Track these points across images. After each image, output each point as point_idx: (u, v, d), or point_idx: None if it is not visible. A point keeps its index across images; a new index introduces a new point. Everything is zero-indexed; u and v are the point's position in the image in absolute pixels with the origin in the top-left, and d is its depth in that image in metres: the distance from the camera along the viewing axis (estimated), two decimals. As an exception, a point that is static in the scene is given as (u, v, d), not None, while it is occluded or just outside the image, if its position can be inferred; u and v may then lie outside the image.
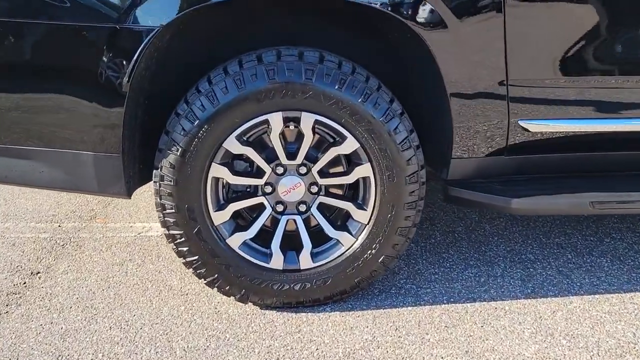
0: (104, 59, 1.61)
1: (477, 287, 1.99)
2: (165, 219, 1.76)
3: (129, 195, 1.80)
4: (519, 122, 1.74)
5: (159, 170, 1.72)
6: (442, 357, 1.63)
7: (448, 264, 2.16)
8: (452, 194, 1.87)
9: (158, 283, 2.07)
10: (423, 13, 1.63)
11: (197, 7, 1.60)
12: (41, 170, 1.77)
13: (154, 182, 1.76)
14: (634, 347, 1.65)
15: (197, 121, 1.66)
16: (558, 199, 1.78)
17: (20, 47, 1.67)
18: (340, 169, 1.87)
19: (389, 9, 1.62)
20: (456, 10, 1.62)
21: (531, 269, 2.11)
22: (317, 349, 1.69)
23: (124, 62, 1.61)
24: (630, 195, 1.76)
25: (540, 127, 1.74)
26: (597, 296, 1.92)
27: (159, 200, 1.75)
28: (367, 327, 1.78)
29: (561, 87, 1.70)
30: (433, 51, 1.64)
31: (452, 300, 1.92)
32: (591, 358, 1.61)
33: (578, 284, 2.00)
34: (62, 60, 1.66)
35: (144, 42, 1.59)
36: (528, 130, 1.75)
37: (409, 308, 1.88)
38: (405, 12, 1.63)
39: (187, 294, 1.99)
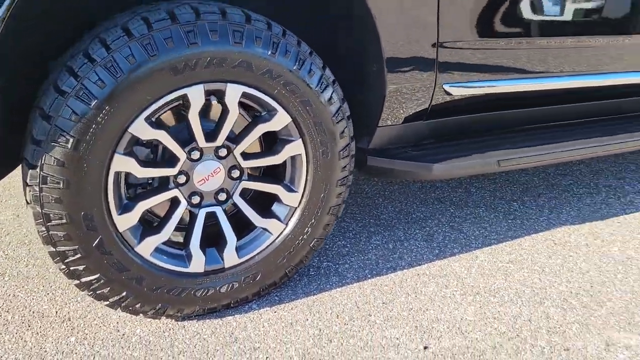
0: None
1: (390, 255, 1.96)
2: (51, 233, 1.32)
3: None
4: (443, 85, 1.69)
5: (39, 170, 1.26)
6: (397, 339, 1.56)
7: (352, 234, 2.08)
8: (371, 164, 1.76)
9: (22, 312, 1.58)
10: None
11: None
12: None
13: (29, 185, 1.29)
14: (547, 292, 1.79)
15: (95, 101, 1.24)
16: (471, 161, 1.80)
17: None
18: (256, 147, 1.61)
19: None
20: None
21: (427, 228, 2.15)
22: (267, 358, 1.47)
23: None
24: (528, 151, 1.87)
25: (462, 90, 1.72)
26: (493, 247, 2.04)
27: (39, 209, 1.30)
28: (308, 319, 1.61)
29: (488, 49, 1.69)
30: (374, 13, 1.47)
31: (375, 272, 1.85)
32: (520, 310, 1.70)
33: (472, 236, 2.10)
34: None
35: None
36: (450, 94, 1.72)
37: (338, 289, 1.75)
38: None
39: (69, 319, 1.56)
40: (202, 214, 1.52)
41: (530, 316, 1.66)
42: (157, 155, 1.48)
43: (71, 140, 1.25)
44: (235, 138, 1.50)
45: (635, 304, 1.74)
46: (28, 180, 1.28)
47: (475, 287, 1.80)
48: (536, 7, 1.74)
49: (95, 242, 1.35)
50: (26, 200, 1.36)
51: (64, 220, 1.31)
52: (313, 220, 1.62)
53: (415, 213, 2.26)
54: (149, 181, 1.50)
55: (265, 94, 1.43)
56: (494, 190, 2.50)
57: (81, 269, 1.37)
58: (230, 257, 1.56)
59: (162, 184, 1.48)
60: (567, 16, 1.81)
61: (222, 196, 1.54)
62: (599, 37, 1.89)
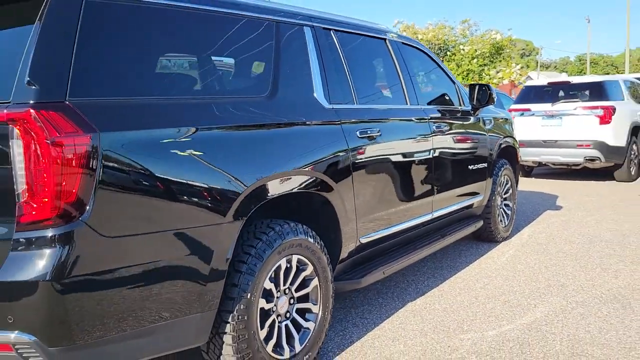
0: (216, 248, 2.44)
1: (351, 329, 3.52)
2: (239, 346, 2.59)
3: (204, 340, 2.53)
4: (359, 238, 3.46)
5: (236, 313, 2.57)
6: (382, 364, 3.13)
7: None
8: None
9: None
10: (327, 188, 3.14)
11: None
12: (162, 341, 2.31)
13: (230, 322, 2.57)
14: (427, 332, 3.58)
15: (255, 273, 2.65)
16: (373, 274, 3.57)
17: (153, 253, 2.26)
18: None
19: (319, 190, 3.07)
20: (334, 179, 3.20)
21: (348, 337, 3.77)
22: (336, 388, 2.87)
23: (228, 247, 2.49)
24: (397, 261, 3.75)
25: (366, 238, 3.52)
26: (375, 336, 3.77)
27: (231, 341, 2.57)
28: (338, 370, 3.06)
29: (375, 217, 3.55)
30: (334, 204, 3.18)
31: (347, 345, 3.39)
32: (428, 340, 3.43)
33: (367, 338, 3.80)
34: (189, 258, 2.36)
35: (239, 230, 2.54)
36: (361, 242, 3.49)
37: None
38: (324, 191, 3.11)
39: (224, 408, 2.70)
40: (282, 326, 2.91)
41: (429, 344, 3.42)
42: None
43: (249, 294, 2.61)
44: (291, 282, 2.97)
45: (455, 319, 3.66)
46: (229, 323, 2.55)
47: (388, 355, 3.49)
48: (395, 198, 3.70)
49: (257, 346, 2.65)
50: (216, 346, 2.59)
51: (246, 337, 2.60)
52: (324, 316, 3.13)
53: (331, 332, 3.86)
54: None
55: (305, 257, 2.99)
56: (360, 306, 4.27)
57: (249, 363, 2.64)
58: (298, 346, 2.95)
59: (267, 313, 2.84)
60: (403, 198, 3.82)
61: (288, 314, 2.96)
62: (409, 204, 3.94)
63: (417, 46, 4.65)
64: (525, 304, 4.01)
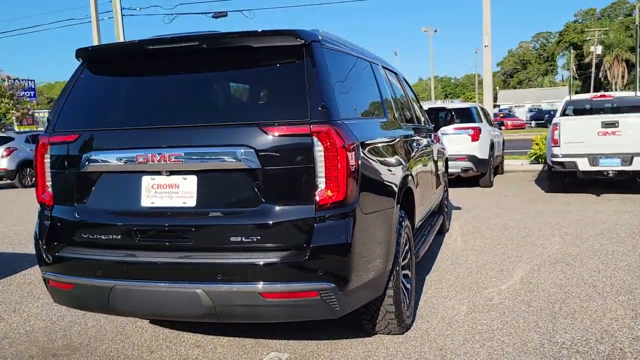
0: (393, 223, 3.42)
1: (408, 299, 4.61)
2: (396, 296, 3.57)
3: (380, 293, 3.48)
4: (417, 222, 4.59)
5: (394, 273, 3.56)
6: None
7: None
8: (404, 260, 4.47)
9: (362, 353, 3.56)
10: (412, 181, 4.25)
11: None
12: (368, 292, 3.24)
13: (391, 280, 3.54)
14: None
15: (400, 244, 3.66)
16: (421, 249, 4.73)
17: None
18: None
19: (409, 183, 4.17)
20: (413, 175, 4.33)
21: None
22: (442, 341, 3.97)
23: (396, 223, 3.48)
24: (426, 240, 4.95)
25: (419, 222, 4.66)
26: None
27: (392, 293, 3.55)
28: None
29: (420, 204, 4.70)
30: (414, 193, 4.29)
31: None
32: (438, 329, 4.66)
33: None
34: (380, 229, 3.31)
35: (399, 211, 3.55)
36: (417, 224, 4.63)
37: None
38: (411, 184, 4.21)
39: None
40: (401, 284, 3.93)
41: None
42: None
43: (399, 259, 3.60)
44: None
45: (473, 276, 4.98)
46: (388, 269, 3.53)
47: (450, 306, 4.67)
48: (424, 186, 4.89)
49: (402, 297, 3.65)
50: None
51: (398, 290, 3.58)
52: (414, 279, 4.20)
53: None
54: (386, 278, 3.83)
55: (407, 235, 4.04)
56: (386, 275, 5.36)
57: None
58: (408, 299, 3.99)
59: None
60: (426, 193, 5.02)
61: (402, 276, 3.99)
62: (427, 197, 5.17)
63: (405, 79, 5.97)
64: (507, 270, 5.47)
